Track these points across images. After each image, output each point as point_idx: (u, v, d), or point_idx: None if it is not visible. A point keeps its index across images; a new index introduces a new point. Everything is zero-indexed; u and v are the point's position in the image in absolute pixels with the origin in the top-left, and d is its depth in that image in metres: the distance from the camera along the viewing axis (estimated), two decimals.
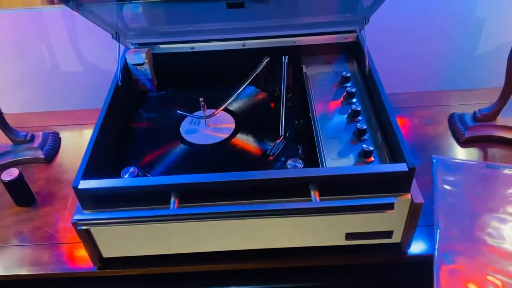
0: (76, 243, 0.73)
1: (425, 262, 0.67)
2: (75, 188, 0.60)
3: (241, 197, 0.60)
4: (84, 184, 0.60)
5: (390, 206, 0.57)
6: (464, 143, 0.86)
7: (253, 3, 0.80)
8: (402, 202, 0.61)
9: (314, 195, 0.59)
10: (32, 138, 0.89)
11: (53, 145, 0.90)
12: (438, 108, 0.94)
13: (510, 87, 0.81)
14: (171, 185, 0.59)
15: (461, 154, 0.85)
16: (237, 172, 0.59)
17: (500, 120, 0.86)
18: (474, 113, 0.87)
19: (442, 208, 0.73)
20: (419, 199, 0.61)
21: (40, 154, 0.87)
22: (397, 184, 0.60)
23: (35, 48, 1.07)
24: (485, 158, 0.84)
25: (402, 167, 0.59)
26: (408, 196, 0.61)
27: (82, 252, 0.71)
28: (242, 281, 0.72)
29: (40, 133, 0.91)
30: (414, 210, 0.62)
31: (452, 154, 0.85)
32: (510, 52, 0.78)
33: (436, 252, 0.67)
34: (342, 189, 0.60)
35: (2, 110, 0.85)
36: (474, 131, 0.86)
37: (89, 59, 1.09)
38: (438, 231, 0.70)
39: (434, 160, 0.82)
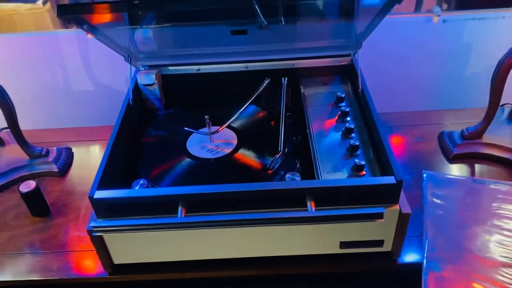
0: (87, 250, 0.78)
1: (415, 270, 0.72)
2: (91, 198, 0.65)
3: (243, 207, 0.65)
4: (99, 194, 0.65)
5: (380, 216, 0.63)
6: (452, 160, 0.91)
7: (255, 29, 0.87)
8: (391, 213, 0.67)
9: (310, 205, 0.65)
10: (47, 153, 0.95)
11: (66, 160, 0.96)
12: (429, 127, 1.00)
13: (493, 107, 0.87)
14: (178, 196, 0.65)
15: (450, 170, 0.90)
16: (239, 184, 0.65)
17: (487, 138, 0.91)
18: (462, 131, 0.92)
19: (430, 220, 0.78)
20: (407, 210, 0.66)
21: (54, 168, 0.93)
22: (386, 195, 0.65)
23: (51, 69, 1.14)
24: (472, 174, 0.89)
25: (390, 179, 0.64)
26: (397, 207, 0.66)
27: (92, 259, 0.76)
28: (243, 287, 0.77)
29: (55, 148, 0.97)
30: (403, 220, 0.67)
31: (442, 170, 0.90)
32: (493, 75, 0.84)
33: (424, 260, 0.72)
34: (336, 200, 0.66)
35: (24, 127, 0.91)
36: (462, 148, 0.91)
37: (100, 79, 1.15)
38: (427, 241, 0.75)
39: (424, 175, 0.87)
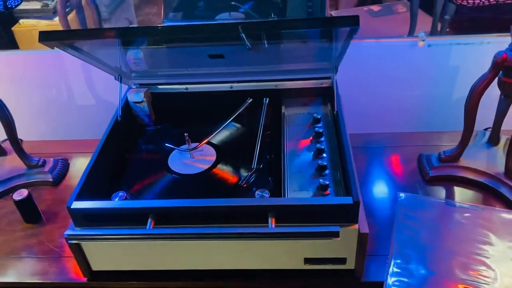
0: (70, 257, 0.83)
1: None
2: (68, 208, 0.70)
3: (208, 221, 0.70)
4: (76, 205, 0.70)
5: (336, 234, 0.66)
6: (429, 182, 0.93)
7: (240, 51, 0.91)
8: (350, 232, 0.70)
9: (271, 221, 0.68)
10: (44, 163, 1.01)
11: (61, 170, 1.02)
12: (411, 148, 1.02)
13: (468, 131, 0.89)
14: (148, 208, 0.69)
15: (426, 191, 0.92)
16: (204, 199, 0.69)
17: (464, 161, 0.93)
18: (439, 154, 0.94)
19: (398, 240, 0.81)
20: (365, 230, 0.69)
21: (49, 178, 0.99)
22: (345, 215, 0.68)
23: (54, 84, 1.22)
24: (447, 196, 0.91)
25: (347, 200, 0.67)
26: (356, 226, 0.69)
27: (74, 265, 0.81)
28: None
29: (51, 159, 1.03)
30: (361, 239, 0.70)
31: (418, 191, 0.92)
32: (466, 99, 0.86)
33: (386, 280, 0.74)
34: (297, 218, 0.69)
35: (23, 138, 0.97)
36: (438, 170, 0.93)
37: (101, 95, 1.22)
38: (393, 261, 0.77)
39: (398, 196, 0.89)
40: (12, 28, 1.91)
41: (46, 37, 0.65)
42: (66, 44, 0.72)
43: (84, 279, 0.79)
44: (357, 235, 0.70)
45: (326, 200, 0.69)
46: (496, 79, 0.83)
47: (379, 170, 0.98)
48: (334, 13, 1.66)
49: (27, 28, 1.94)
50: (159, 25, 0.79)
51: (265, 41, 0.90)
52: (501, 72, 0.82)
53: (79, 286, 0.80)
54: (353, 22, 0.64)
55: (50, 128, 1.28)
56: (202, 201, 0.69)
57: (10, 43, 1.86)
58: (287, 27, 0.75)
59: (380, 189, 0.93)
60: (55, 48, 0.71)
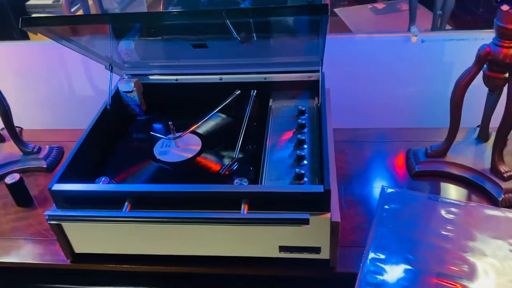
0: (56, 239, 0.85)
1: (354, 280, 0.74)
2: (49, 189, 0.73)
3: (183, 206, 0.71)
4: (56, 187, 0.73)
5: (305, 221, 0.66)
6: (414, 176, 0.93)
7: (231, 44, 0.93)
8: (323, 221, 0.70)
9: (243, 208, 0.69)
10: (39, 150, 1.04)
11: (56, 157, 1.05)
12: (400, 144, 1.02)
13: (454, 126, 0.88)
14: (124, 192, 0.71)
15: (411, 186, 0.92)
16: (178, 185, 0.70)
17: (450, 156, 0.92)
18: (426, 149, 0.94)
19: (377, 232, 0.80)
20: (337, 218, 0.69)
21: (43, 164, 1.02)
22: (316, 203, 0.69)
23: (56, 75, 1.25)
24: (431, 191, 0.90)
25: (319, 188, 0.68)
26: (328, 215, 0.70)
27: (59, 248, 0.83)
28: (186, 284, 0.82)
29: (47, 146, 1.06)
30: (334, 229, 0.70)
31: (403, 186, 0.92)
32: (452, 94, 0.85)
33: (361, 270, 0.74)
34: (269, 205, 0.70)
35: (27, 128, 1.01)
36: (424, 165, 0.92)
37: (100, 85, 1.25)
38: (369, 252, 0.77)
39: (382, 189, 0.89)
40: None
41: (28, 23, 0.68)
42: (51, 31, 0.75)
43: (68, 261, 0.82)
44: (329, 224, 0.70)
45: (297, 188, 0.69)
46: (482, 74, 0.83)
47: (366, 164, 0.98)
48: (337, 10, 1.65)
49: None
50: (142, 12, 0.80)
51: (254, 34, 0.92)
52: (485, 66, 0.81)
53: (63, 267, 0.83)
54: (320, 11, 0.65)
55: (52, 118, 1.31)
56: (176, 186, 0.71)
57: (22, 37, 1.91)
58: (258, 15, 0.76)
59: (366, 183, 0.93)
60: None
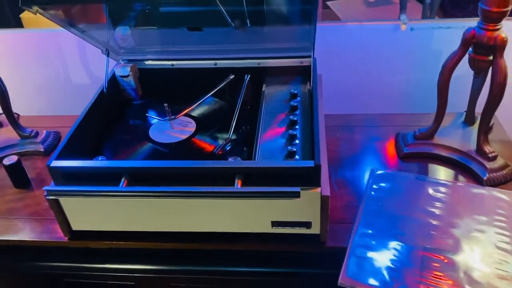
0: (54, 218, 0.87)
1: (344, 254, 0.77)
2: (48, 166, 0.75)
3: (178, 183, 0.73)
4: (55, 163, 0.75)
5: (296, 194, 0.69)
6: (403, 158, 0.96)
7: (227, 30, 0.95)
8: (313, 195, 0.73)
9: (237, 183, 0.72)
10: (36, 134, 1.06)
11: (53, 142, 1.07)
12: (390, 128, 1.05)
13: (441, 109, 0.91)
14: (121, 168, 0.73)
15: (400, 167, 0.94)
16: (173, 161, 0.73)
17: (438, 139, 0.95)
18: (414, 132, 0.97)
19: (365, 210, 0.83)
20: (326, 192, 0.72)
21: (41, 148, 1.04)
22: (307, 178, 0.71)
23: (52, 63, 1.27)
24: (419, 172, 0.93)
25: (309, 163, 0.70)
26: (318, 189, 0.72)
27: (57, 227, 0.85)
28: (181, 261, 0.85)
29: (44, 131, 1.08)
30: (324, 203, 0.73)
31: (392, 167, 0.95)
32: (438, 77, 0.88)
33: (350, 244, 0.77)
34: (262, 181, 0.72)
35: (21, 114, 1.02)
36: (412, 147, 0.95)
37: (96, 73, 1.27)
38: (359, 227, 0.80)
39: (371, 171, 0.92)
40: (20, 15, 1.98)
41: (27, 2, 0.70)
42: (50, 11, 0.77)
43: (65, 238, 0.84)
44: (319, 198, 0.73)
45: (289, 163, 0.72)
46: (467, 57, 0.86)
47: (356, 147, 1.01)
48: (330, 3, 1.69)
49: (34, 15, 2.00)
50: None
51: (248, 20, 0.94)
52: (471, 49, 0.84)
53: (61, 244, 0.85)
54: None
55: (48, 105, 1.33)
56: (171, 162, 0.73)
57: (17, 26, 1.93)
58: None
59: (356, 165, 0.96)
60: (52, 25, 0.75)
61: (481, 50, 0.82)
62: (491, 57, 0.82)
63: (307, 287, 0.86)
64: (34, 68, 1.28)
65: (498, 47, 0.79)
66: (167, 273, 0.87)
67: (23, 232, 0.86)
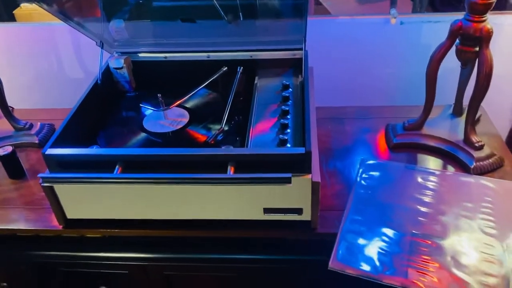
0: (49, 207, 0.88)
1: (334, 241, 0.79)
2: (43, 154, 0.76)
3: (171, 170, 0.74)
4: (50, 151, 0.76)
5: (288, 180, 0.70)
6: (392, 148, 0.98)
7: (220, 23, 0.97)
8: (304, 181, 0.74)
9: (230, 170, 0.73)
10: (30, 126, 1.07)
11: (47, 134, 1.07)
12: (380, 120, 1.06)
13: (430, 99, 0.93)
14: (115, 156, 0.75)
15: (389, 157, 0.96)
16: (167, 149, 0.74)
17: (426, 129, 0.97)
18: (404, 123, 0.99)
19: (355, 197, 0.85)
20: (317, 178, 0.74)
21: (35, 140, 1.05)
22: (298, 164, 0.73)
23: (46, 57, 1.28)
24: (408, 162, 0.95)
25: (300, 150, 0.72)
26: (309, 176, 0.74)
27: (52, 216, 0.86)
28: (176, 249, 0.87)
29: (38, 123, 1.09)
30: (314, 188, 0.74)
31: (381, 157, 0.96)
32: (427, 68, 0.90)
33: (340, 230, 0.79)
34: (254, 167, 0.73)
35: (17, 107, 1.03)
36: (401, 138, 0.97)
37: (90, 68, 1.28)
38: (348, 214, 0.82)
39: (361, 160, 0.94)
40: (14, 12, 1.98)
41: None
42: (45, 2, 0.78)
43: (60, 227, 0.85)
44: (310, 184, 0.74)
45: (280, 150, 0.73)
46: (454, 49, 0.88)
47: (347, 138, 1.02)
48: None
49: (27, 11, 2.01)
50: None
51: (241, 14, 0.96)
52: (458, 41, 0.86)
53: (56, 233, 0.86)
54: None
55: (42, 99, 1.34)
56: (165, 150, 0.74)
57: (9, 19, 1.93)
58: None
59: (346, 156, 0.98)
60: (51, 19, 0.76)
61: (468, 41, 0.84)
62: (477, 48, 0.84)
63: (299, 274, 0.88)
64: (28, 62, 1.29)
65: (484, 38, 0.81)
66: (161, 261, 0.88)
67: (18, 221, 0.87)
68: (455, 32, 0.84)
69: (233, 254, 0.86)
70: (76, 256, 0.89)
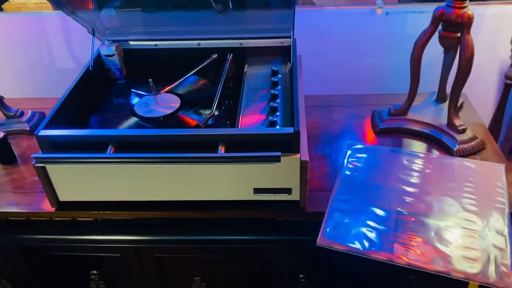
0: (41, 191, 0.89)
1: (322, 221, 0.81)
2: (36, 135, 0.77)
3: (164, 150, 0.75)
4: (43, 132, 0.77)
5: (277, 159, 0.72)
6: (379, 133, 1.00)
7: (210, 11, 0.99)
8: (293, 161, 0.76)
9: (221, 149, 0.75)
10: (21, 114, 1.07)
11: (38, 121, 1.08)
12: (366, 107, 1.09)
13: (414, 85, 0.96)
14: (107, 136, 0.76)
15: (375, 142, 0.99)
16: (160, 129, 0.76)
17: (411, 115, 1.00)
18: (389, 109, 1.01)
19: (342, 179, 0.87)
20: (305, 158, 0.76)
21: (26, 127, 1.06)
22: (288, 144, 0.75)
23: (36, 47, 1.28)
24: (394, 146, 0.97)
25: (289, 130, 0.74)
26: (298, 156, 0.76)
27: (44, 199, 0.87)
28: (167, 230, 0.88)
29: (29, 110, 1.10)
30: (302, 167, 0.77)
31: (367, 142, 0.99)
32: (411, 54, 0.93)
33: (328, 209, 0.81)
34: (244, 147, 0.75)
35: (8, 96, 1.04)
36: (387, 123, 1.00)
37: (80, 58, 1.29)
38: (335, 194, 0.84)
39: (348, 145, 0.96)
40: (2, 6, 1.97)
41: None
42: None
43: (53, 209, 0.86)
44: (299, 163, 0.76)
45: (270, 130, 0.76)
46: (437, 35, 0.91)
47: (334, 124, 1.05)
48: None
49: (16, 5, 2.01)
50: None
51: (230, 2, 0.98)
52: (441, 27, 0.89)
53: (48, 215, 0.87)
54: None
55: (32, 90, 1.34)
56: (157, 130, 0.76)
57: None
58: None
59: (334, 141, 1.00)
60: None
61: (450, 27, 0.87)
62: (459, 34, 0.87)
63: (288, 254, 0.90)
64: (18, 53, 1.29)
65: (465, 24, 0.84)
66: (152, 243, 0.89)
67: (11, 205, 0.87)
68: (437, 19, 0.87)
69: (224, 235, 0.88)
70: (68, 239, 0.90)
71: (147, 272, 0.96)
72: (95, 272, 0.97)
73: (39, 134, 0.77)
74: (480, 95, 1.21)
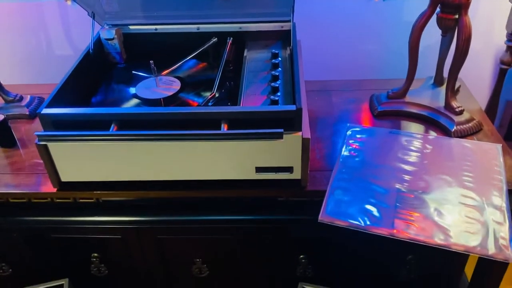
0: (41, 173, 0.89)
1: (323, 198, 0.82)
2: (39, 114, 0.77)
3: (167, 128, 0.76)
4: (46, 111, 0.77)
5: (279, 135, 0.73)
6: (377, 116, 1.01)
7: None
8: (295, 139, 0.77)
9: (223, 126, 0.76)
10: (21, 98, 1.07)
11: (37, 106, 1.08)
12: (364, 92, 1.10)
13: (412, 67, 0.97)
14: (110, 114, 0.76)
15: (374, 124, 1.00)
16: (162, 107, 0.76)
17: (409, 98, 1.01)
18: (387, 92, 1.02)
19: (342, 159, 0.88)
20: (307, 135, 0.77)
21: (25, 111, 1.06)
22: (290, 121, 0.76)
23: (35, 34, 1.28)
24: (392, 128, 0.98)
25: (291, 107, 0.75)
26: (299, 133, 0.77)
27: (45, 179, 0.87)
28: (168, 211, 0.89)
29: (28, 95, 1.10)
30: (304, 144, 0.77)
31: (366, 125, 1.00)
32: (409, 37, 0.94)
33: (329, 186, 0.82)
34: (247, 124, 0.76)
35: (7, 83, 1.04)
36: (385, 106, 1.01)
37: (79, 45, 1.29)
38: (336, 173, 0.85)
39: (348, 127, 0.97)
40: None
41: None
42: None
43: (54, 190, 0.86)
44: (301, 141, 0.77)
45: (272, 107, 0.76)
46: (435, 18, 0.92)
47: (333, 108, 1.06)
48: None
49: None
50: None
51: None
52: (438, 9, 0.91)
53: (50, 196, 0.87)
54: None
55: (31, 76, 1.34)
56: (159, 108, 0.76)
57: None
58: None
59: (333, 123, 1.01)
60: None
61: (448, 9, 0.88)
62: (456, 16, 0.89)
63: (290, 233, 0.91)
64: (17, 39, 1.29)
65: (463, 5, 0.86)
66: (153, 223, 0.90)
67: (12, 185, 0.87)
68: (435, 1, 0.88)
69: (225, 215, 0.88)
70: (69, 221, 0.90)
71: (148, 254, 0.96)
72: (95, 255, 0.97)
73: (42, 112, 0.77)
74: (476, 81, 1.22)
